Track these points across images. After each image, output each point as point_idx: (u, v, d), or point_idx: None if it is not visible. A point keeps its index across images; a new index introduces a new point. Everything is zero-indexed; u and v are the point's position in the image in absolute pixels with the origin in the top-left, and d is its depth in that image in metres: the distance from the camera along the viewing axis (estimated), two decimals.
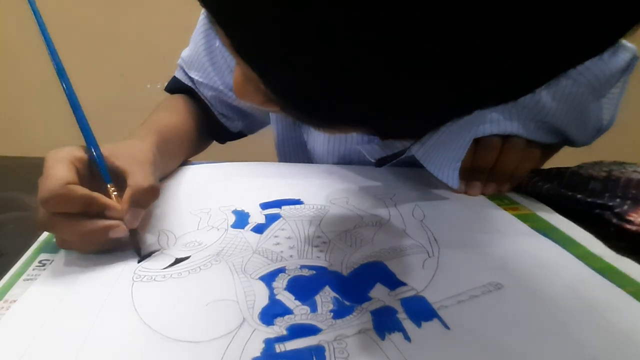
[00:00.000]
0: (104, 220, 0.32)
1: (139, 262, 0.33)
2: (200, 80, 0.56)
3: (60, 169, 0.31)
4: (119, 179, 0.34)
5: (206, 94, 0.57)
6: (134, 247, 0.34)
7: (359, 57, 0.15)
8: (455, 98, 0.18)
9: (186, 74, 0.57)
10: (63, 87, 0.34)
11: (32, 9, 0.32)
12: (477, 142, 0.46)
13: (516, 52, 0.15)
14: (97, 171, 0.34)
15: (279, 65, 0.18)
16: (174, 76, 0.60)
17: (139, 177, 0.34)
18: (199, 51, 0.55)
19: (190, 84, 0.57)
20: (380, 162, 0.49)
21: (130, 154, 0.36)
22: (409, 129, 0.22)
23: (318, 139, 0.56)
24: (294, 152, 0.62)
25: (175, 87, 0.60)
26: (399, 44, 0.14)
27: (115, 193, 0.34)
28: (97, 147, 0.34)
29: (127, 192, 0.33)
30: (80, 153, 0.34)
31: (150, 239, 0.36)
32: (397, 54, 0.15)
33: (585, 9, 0.14)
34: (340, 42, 0.15)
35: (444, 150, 0.44)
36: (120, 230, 0.32)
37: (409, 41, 0.14)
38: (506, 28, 0.14)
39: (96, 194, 0.32)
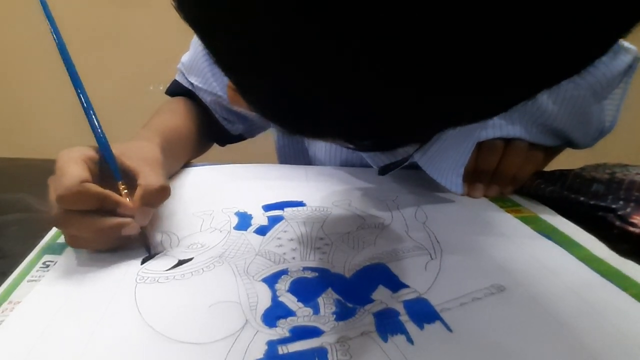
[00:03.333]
0: (117, 218, 0.32)
1: (142, 263, 0.33)
2: (200, 85, 0.56)
3: (75, 168, 0.31)
4: (129, 179, 0.35)
5: (205, 98, 0.57)
6: (144, 244, 0.34)
7: (327, 71, 0.15)
8: (434, 109, 0.17)
9: (186, 78, 0.58)
10: (73, 83, 0.34)
11: (45, 11, 0.32)
12: (480, 145, 0.46)
13: (508, 62, 0.15)
14: (107, 170, 0.34)
15: (249, 78, 0.17)
16: (175, 79, 0.60)
17: (150, 177, 0.34)
18: (198, 57, 0.55)
19: (190, 87, 0.58)
20: (383, 170, 0.49)
21: (140, 154, 0.37)
22: (388, 142, 0.21)
23: (319, 144, 0.56)
24: (294, 157, 0.62)
25: (176, 90, 0.60)
26: (371, 56, 0.14)
27: (125, 191, 0.34)
28: (108, 146, 0.35)
29: (138, 192, 0.33)
30: (91, 152, 0.34)
31: (153, 241, 0.36)
32: (368, 65, 0.14)
33: (578, 20, 0.14)
34: (309, 57, 0.15)
35: (447, 157, 0.44)
36: (132, 228, 0.33)
37: (384, 52, 0.14)
38: (497, 39, 0.14)
39: (109, 192, 0.32)
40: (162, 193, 0.35)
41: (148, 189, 0.33)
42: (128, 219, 0.33)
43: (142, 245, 0.34)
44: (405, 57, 0.14)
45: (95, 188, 0.31)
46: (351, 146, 0.21)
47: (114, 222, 0.32)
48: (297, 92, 0.17)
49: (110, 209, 0.32)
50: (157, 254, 0.34)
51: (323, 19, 0.13)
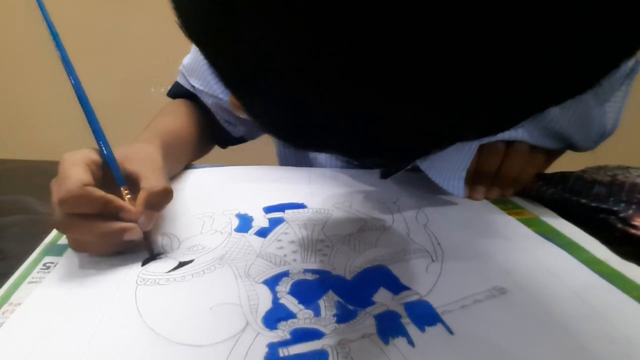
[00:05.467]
0: (119, 222, 0.32)
1: (142, 265, 0.33)
2: (201, 88, 0.56)
3: (77, 171, 0.31)
4: (131, 182, 0.35)
5: (207, 101, 0.57)
6: (147, 248, 0.34)
7: (333, 91, 0.15)
8: (434, 129, 0.17)
9: (188, 80, 0.58)
10: (74, 88, 0.34)
11: (42, 11, 0.32)
12: (481, 147, 0.46)
13: (520, 81, 0.14)
14: (110, 174, 0.34)
15: (253, 97, 0.17)
16: (176, 81, 0.60)
17: (152, 180, 0.34)
18: (199, 59, 0.55)
19: (192, 90, 0.58)
20: (385, 174, 0.49)
21: (142, 157, 0.37)
22: (387, 159, 0.21)
23: None
24: (295, 160, 0.62)
25: (177, 92, 0.60)
26: (378, 76, 0.14)
27: (128, 196, 0.34)
28: (110, 151, 0.35)
29: (141, 195, 0.33)
30: (95, 156, 0.34)
31: (156, 244, 0.36)
32: (369, 82, 0.14)
33: (581, 41, 0.13)
34: (315, 76, 0.15)
35: (449, 160, 0.44)
36: (135, 233, 0.32)
37: (383, 67, 0.14)
38: (508, 57, 0.13)
39: (112, 196, 0.32)
40: (165, 195, 0.35)
41: (151, 192, 0.33)
42: (131, 224, 0.32)
43: (145, 249, 0.34)
44: (413, 77, 0.14)
45: (97, 192, 0.31)
46: (355, 163, 0.21)
47: (117, 226, 0.32)
48: (301, 112, 0.17)
49: (113, 213, 0.32)
50: (158, 255, 0.34)
51: (330, 37, 0.13)
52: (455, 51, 0.13)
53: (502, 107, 0.16)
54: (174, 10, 0.17)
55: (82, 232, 0.31)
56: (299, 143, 0.20)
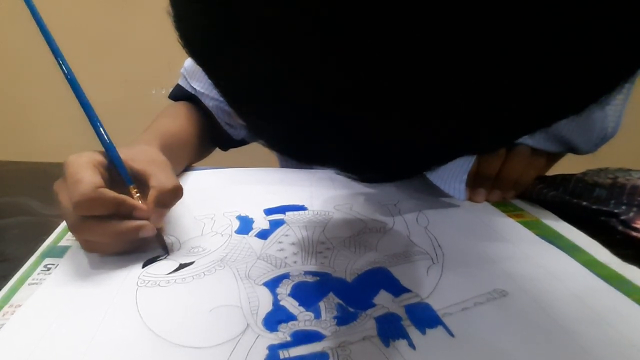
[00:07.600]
0: (133, 221, 0.33)
1: (143, 266, 0.33)
2: (202, 90, 0.56)
3: (88, 174, 0.31)
4: (138, 182, 0.35)
5: (208, 103, 0.58)
6: (160, 244, 0.34)
7: (328, 104, 0.15)
8: (432, 143, 0.17)
9: (189, 83, 0.58)
10: (72, 89, 0.34)
11: (34, 16, 0.32)
12: None
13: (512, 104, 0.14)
14: (115, 175, 0.34)
15: (250, 112, 0.18)
16: (178, 84, 0.60)
17: (161, 178, 0.35)
18: None
19: (193, 92, 0.58)
20: None
21: (147, 156, 0.37)
22: (387, 174, 0.21)
23: None
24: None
25: (179, 94, 0.60)
26: (372, 91, 0.14)
27: (137, 194, 0.34)
28: (115, 151, 0.35)
29: (152, 193, 0.34)
30: (100, 157, 0.34)
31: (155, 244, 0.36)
32: (370, 101, 0.14)
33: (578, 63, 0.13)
34: (312, 95, 0.15)
35: (450, 164, 0.44)
36: (149, 230, 0.33)
37: (384, 86, 0.13)
38: (500, 77, 0.13)
39: (124, 196, 0.33)
40: (176, 193, 0.35)
41: (162, 190, 0.34)
42: (144, 222, 0.33)
43: (158, 245, 0.35)
44: (413, 95, 0.14)
45: (110, 193, 0.31)
46: (354, 177, 0.21)
47: (132, 225, 0.32)
48: (301, 128, 0.17)
49: (125, 213, 0.33)
50: (158, 257, 0.34)
51: (330, 57, 0.13)
52: (456, 69, 0.13)
53: (502, 126, 0.16)
54: (175, 30, 0.17)
55: (97, 233, 0.32)
56: (300, 158, 0.20)
